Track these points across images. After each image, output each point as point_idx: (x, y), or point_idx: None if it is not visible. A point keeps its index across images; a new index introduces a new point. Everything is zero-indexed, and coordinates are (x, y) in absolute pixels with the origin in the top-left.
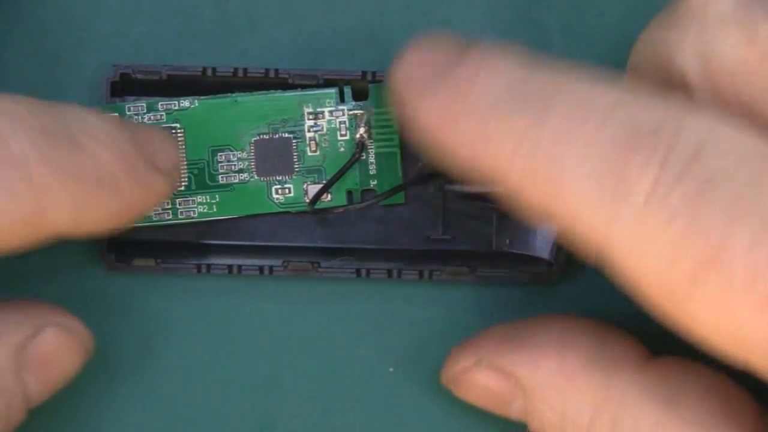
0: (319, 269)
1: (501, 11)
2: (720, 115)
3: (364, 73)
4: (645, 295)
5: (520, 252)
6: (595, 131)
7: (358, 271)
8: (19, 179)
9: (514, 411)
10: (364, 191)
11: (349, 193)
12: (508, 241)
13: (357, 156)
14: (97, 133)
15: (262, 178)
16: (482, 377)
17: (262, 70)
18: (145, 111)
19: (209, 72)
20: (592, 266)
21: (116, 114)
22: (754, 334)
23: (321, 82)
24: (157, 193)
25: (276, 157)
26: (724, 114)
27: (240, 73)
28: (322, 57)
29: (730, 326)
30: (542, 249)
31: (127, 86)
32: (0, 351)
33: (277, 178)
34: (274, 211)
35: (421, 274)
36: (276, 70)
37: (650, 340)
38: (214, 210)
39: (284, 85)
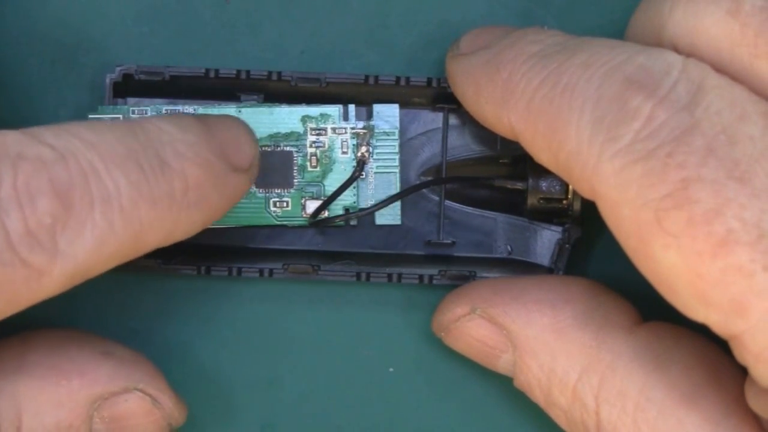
0: (320, 272)
1: (501, 11)
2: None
3: (367, 77)
4: (623, 239)
5: (520, 258)
6: (610, 71)
7: (358, 275)
8: (116, 214)
9: (501, 365)
10: (361, 210)
11: (347, 210)
12: (509, 247)
13: (357, 174)
14: (181, 149)
15: (260, 190)
16: (474, 327)
17: (265, 73)
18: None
19: (212, 74)
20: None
21: (194, 110)
22: (708, 278)
23: (324, 85)
24: (238, 194)
25: (276, 170)
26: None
27: (243, 75)
28: (322, 58)
29: (688, 271)
30: (542, 255)
31: (129, 87)
32: (82, 394)
33: (276, 191)
34: (271, 224)
35: (421, 278)
36: (279, 73)
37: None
38: None
39: (287, 89)
